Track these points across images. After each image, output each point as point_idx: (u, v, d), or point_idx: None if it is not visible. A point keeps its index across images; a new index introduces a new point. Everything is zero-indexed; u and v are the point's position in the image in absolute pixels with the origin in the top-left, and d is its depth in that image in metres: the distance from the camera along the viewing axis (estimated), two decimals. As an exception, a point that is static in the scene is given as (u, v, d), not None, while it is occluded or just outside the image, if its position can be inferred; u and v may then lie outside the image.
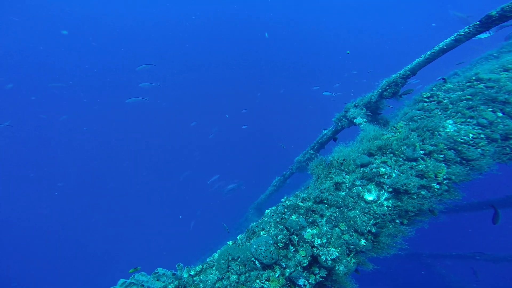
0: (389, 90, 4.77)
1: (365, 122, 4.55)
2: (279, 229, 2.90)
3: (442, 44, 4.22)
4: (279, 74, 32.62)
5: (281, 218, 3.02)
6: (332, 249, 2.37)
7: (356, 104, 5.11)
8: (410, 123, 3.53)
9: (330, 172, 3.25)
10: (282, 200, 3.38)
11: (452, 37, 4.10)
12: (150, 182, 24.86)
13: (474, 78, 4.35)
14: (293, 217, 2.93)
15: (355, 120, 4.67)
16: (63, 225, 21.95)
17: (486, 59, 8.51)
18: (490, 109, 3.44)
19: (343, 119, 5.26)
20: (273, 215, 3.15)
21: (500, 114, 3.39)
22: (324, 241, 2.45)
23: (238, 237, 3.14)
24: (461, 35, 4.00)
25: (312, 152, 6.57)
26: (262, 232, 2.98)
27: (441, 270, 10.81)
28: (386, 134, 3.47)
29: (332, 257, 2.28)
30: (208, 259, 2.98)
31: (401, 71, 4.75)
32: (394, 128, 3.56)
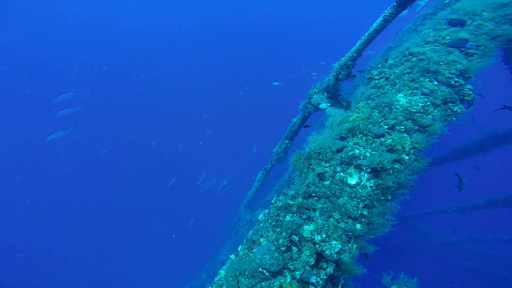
0: (342, 72, 5.08)
1: (329, 106, 4.81)
2: (277, 232, 2.89)
3: (374, 25, 4.63)
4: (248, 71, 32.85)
5: (277, 221, 3.01)
6: (333, 242, 2.45)
7: (317, 90, 5.35)
8: (369, 101, 3.82)
9: (311, 164, 3.34)
10: (272, 201, 3.37)
11: (381, 18, 4.51)
12: (133, 195, 23.29)
13: (407, 52, 4.90)
14: (288, 218, 2.94)
15: (320, 106, 4.90)
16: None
17: (408, 31, 9.66)
18: (428, 79, 3.93)
19: (309, 105, 5.48)
20: (268, 219, 3.12)
21: (436, 83, 3.90)
22: (324, 236, 2.51)
23: (239, 249, 3.06)
24: (387, 15, 4.43)
25: (287, 141, 6.78)
26: (261, 239, 2.94)
27: (424, 227, 12.35)
28: (351, 116, 3.69)
29: (336, 250, 2.36)
30: (215, 279, 2.85)
31: (348, 54, 5.09)
32: (357, 109, 3.81)
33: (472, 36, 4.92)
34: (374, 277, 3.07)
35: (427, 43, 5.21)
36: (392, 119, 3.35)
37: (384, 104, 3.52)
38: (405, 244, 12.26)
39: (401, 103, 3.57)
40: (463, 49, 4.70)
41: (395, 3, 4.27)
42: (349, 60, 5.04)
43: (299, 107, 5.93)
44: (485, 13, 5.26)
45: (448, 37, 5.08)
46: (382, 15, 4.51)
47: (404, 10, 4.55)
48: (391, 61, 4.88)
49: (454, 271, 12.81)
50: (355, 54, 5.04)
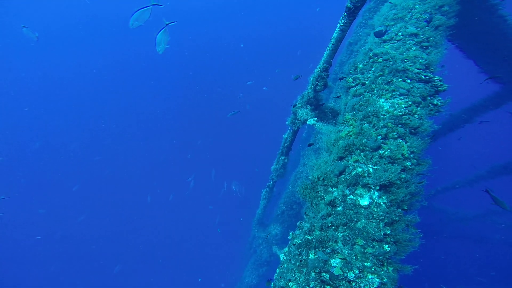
0: (319, 84, 5.18)
1: (316, 121, 4.85)
2: (305, 273, 2.75)
3: (334, 35, 4.81)
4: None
5: (301, 261, 2.88)
6: (370, 276, 2.35)
7: (300, 105, 5.40)
8: (354, 112, 3.87)
9: (318, 192, 3.27)
10: (289, 237, 3.24)
11: (338, 29, 4.68)
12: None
13: (371, 54, 5.09)
14: (311, 255, 2.82)
15: (307, 122, 4.93)
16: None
17: (360, 26, 10.20)
18: (401, 79, 4.08)
19: (296, 121, 5.51)
20: (290, 260, 2.98)
21: (409, 81, 4.07)
22: (357, 272, 2.41)
23: None
24: (342, 26, 4.62)
25: (283, 157, 6.80)
26: (291, 283, 2.78)
27: (440, 206, 12.66)
28: (342, 131, 3.71)
29: (375, 286, 2.26)
30: None
31: (319, 66, 5.22)
32: (345, 122, 3.84)
33: (419, 29, 5.23)
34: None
35: (384, 41, 5.47)
36: (382, 128, 3.39)
37: (370, 114, 3.58)
38: (429, 227, 12.48)
39: (385, 108, 3.65)
40: (418, 40, 5.00)
41: (344, 13, 4.44)
42: (322, 71, 5.16)
43: (287, 123, 5.98)
44: (417, 6, 5.65)
45: (400, 33, 5.36)
46: (338, 25, 4.70)
47: (355, 18, 4.77)
48: (361, 65, 5.05)
49: (486, 245, 13.15)
50: (325, 65, 5.17)
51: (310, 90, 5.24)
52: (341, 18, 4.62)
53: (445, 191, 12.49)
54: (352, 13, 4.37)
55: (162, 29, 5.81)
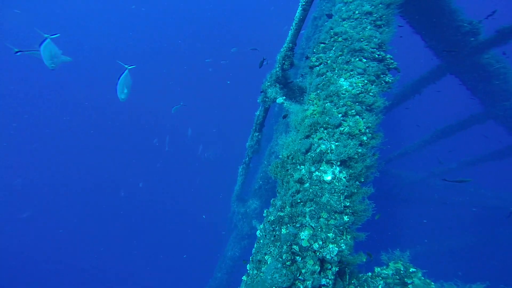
0: (286, 63, 5.22)
1: (284, 99, 4.97)
2: (278, 247, 2.99)
3: (297, 15, 4.80)
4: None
5: (274, 236, 3.10)
6: (330, 246, 2.65)
7: (269, 83, 5.43)
8: (318, 91, 4.03)
9: (288, 170, 3.45)
10: (264, 215, 3.44)
11: (300, 8, 4.68)
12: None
13: (332, 33, 5.20)
14: (283, 230, 3.05)
15: (277, 101, 5.04)
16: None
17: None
18: (358, 59, 4.30)
19: (266, 99, 5.58)
20: (266, 235, 3.20)
21: (365, 60, 4.30)
22: (321, 243, 2.70)
23: (248, 268, 3.17)
24: (304, 4, 4.62)
25: (257, 134, 6.94)
26: (266, 257, 3.02)
27: (394, 171, 13.93)
28: (307, 109, 3.86)
29: (334, 253, 2.57)
30: None
31: (285, 45, 5.21)
32: (310, 101, 3.99)
33: (373, 7, 5.42)
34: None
35: (343, 19, 5.57)
36: (342, 106, 3.61)
37: (332, 93, 3.76)
38: (387, 193, 13.97)
39: (344, 87, 3.86)
40: (372, 19, 5.21)
41: None
42: (287, 50, 5.18)
43: (258, 101, 6.03)
44: None
45: (357, 11, 5.49)
46: (300, 5, 4.67)
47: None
48: (323, 45, 5.15)
49: (431, 205, 15.23)
50: (291, 44, 5.19)
51: (278, 69, 5.28)
52: (301, -5, 4.58)
53: (400, 157, 14.05)
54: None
55: (123, 73, 5.19)
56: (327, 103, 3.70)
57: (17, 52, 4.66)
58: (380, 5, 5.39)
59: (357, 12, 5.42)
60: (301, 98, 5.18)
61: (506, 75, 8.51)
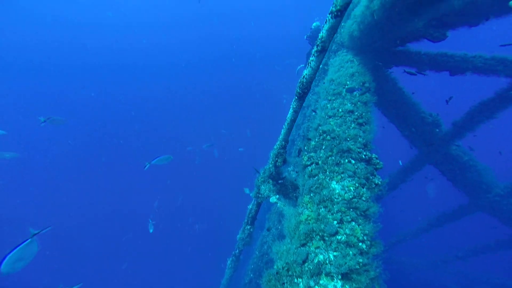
0: (279, 160, 5.58)
1: (278, 199, 5.05)
2: None
3: (289, 116, 5.18)
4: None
5: None
6: None
7: (263, 179, 5.63)
8: (312, 195, 4.18)
9: (284, 284, 3.19)
10: None
11: (291, 110, 5.04)
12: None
13: (321, 131, 5.84)
14: None
15: (270, 200, 5.11)
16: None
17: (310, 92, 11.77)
18: (347, 160, 4.70)
19: (259, 195, 5.63)
20: None
21: (353, 162, 4.70)
22: None
23: None
24: (295, 107, 5.12)
25: (248, 227, 6.70)
26: None
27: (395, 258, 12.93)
28: (302, 213, 3.90)
29: None
30: None
31: (278, 143, 5.72)
32: (304, 204, 4.08)
33: (353, 105, 6.24)
34: None
35: (329, 117, 6.29)
36: (337, 212, 3.70)
37: (325, 198, 3.91)
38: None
39: (337, 191, 4.05)
40: (355, 117, 5.92)
41: (295, 97, 5.17)
42: (280, 148, 5.65)
43: (251, 195, 6.11)
44: (348, 82, 6.93)
45: (340, 110, 6.28)
46: (291, 107, 5.41)
47: (304, 101, 5.57)
48: (313, 143, 5.70)
49: None
50: (283, 142, 5.71)
51: (271, 165, 5.62)
52: (293, 101, 5.36)
53: (398, 243, 13.34)
54: (301, 97, 5.08)
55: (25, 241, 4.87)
56: (321, 208, 3.79)
57: None
58: (358, 103, 6.26)
59: (340, 110, 6.17)
60: (294, 194, 5.31)
61: (477, 167, 9.03)
